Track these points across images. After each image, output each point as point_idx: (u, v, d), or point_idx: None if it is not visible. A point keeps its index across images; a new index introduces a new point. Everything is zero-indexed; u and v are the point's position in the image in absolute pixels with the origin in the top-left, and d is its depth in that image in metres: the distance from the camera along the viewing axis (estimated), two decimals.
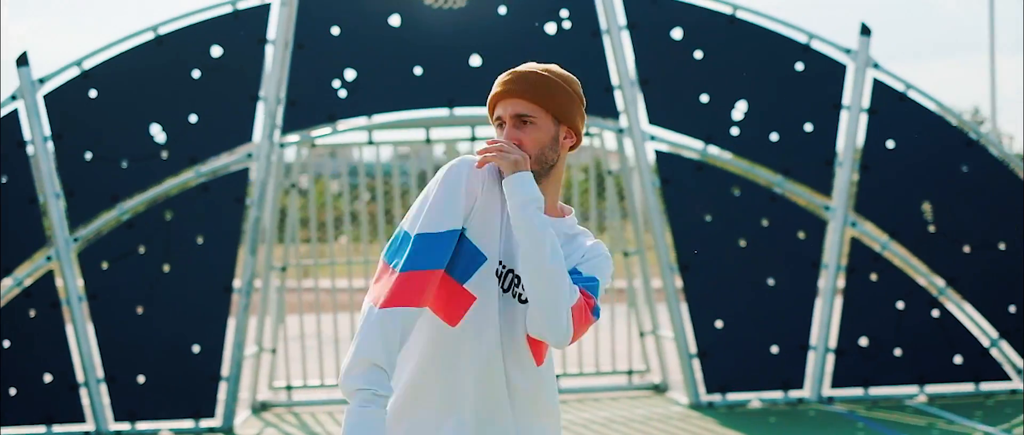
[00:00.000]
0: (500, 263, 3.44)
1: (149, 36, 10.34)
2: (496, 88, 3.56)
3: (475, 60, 10.51)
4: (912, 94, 10.73)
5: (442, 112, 10.61)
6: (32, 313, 10.14)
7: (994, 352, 10.73)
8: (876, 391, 10.69)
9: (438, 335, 3.44)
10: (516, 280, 3.45)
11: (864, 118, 10.72)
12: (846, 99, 10.70)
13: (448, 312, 3.44)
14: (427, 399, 3.46)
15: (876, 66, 10.69)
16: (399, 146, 11.98)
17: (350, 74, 10.47)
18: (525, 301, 3.43)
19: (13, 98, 10.23)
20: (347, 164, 13.15)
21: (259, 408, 11.35)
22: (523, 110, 3.51)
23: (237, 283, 10.42)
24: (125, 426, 10.20)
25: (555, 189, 3.54)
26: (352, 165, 11.34)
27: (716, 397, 10.59)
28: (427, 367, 3.45)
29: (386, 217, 13.75)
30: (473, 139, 11.45)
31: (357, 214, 13.24)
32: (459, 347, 3.43)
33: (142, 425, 10.21)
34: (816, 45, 10.70)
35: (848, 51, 10.70)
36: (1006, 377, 10.75)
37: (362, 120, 10.72)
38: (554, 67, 3.58)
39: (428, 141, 11.40)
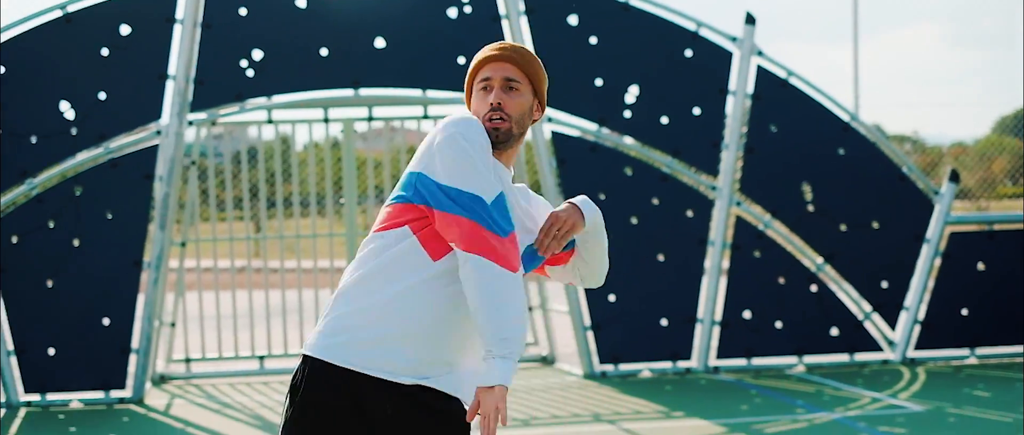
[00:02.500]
0: None
1: (57, 14, 10.47)
2: (488, 53, 3.80)
3: (380, 42, 10.84)
4: (793, 80, 11.34)
5: (346, 92, 10.92)
6: None
7: (867, 325, 11.40)
8: (758, 361, 11.30)
9: (421, 265, 3.65)
10: None
11: (748, 103, 11.30)
12: (732, 84, 11.27)
13: (437, 248, 3.67)
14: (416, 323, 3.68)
15: (760, 54, 11.26)
16: (212, 126, 12.14)
17: (257, 54, 10.73)
18: None
19: None
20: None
21: (158, 380, 11.57)
22: (512, 75, 3.76)
23: (146, 258, 10.61)
24: (35, 397, 10.35)
25: (513, 156, 3.83)
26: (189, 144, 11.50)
27: (609, 367, 11.10)
28: (408, 293, 3.66)
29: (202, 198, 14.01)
30: (370, 120, 11.78)
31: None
32: (441, 277, 3.66)
33: (52, 396, 10.37)
34: (704, 33, 11.24)
35: (734, 39, 11.26)
36: (878, 348, 11.44)
37: (265, 99, 10.97)
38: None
39: (326, 120, 11.69)
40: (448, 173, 3.63)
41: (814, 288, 11.33)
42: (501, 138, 3.74)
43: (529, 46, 10.98)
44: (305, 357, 3.75)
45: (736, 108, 11.26)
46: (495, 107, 3.73)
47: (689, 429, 8.86)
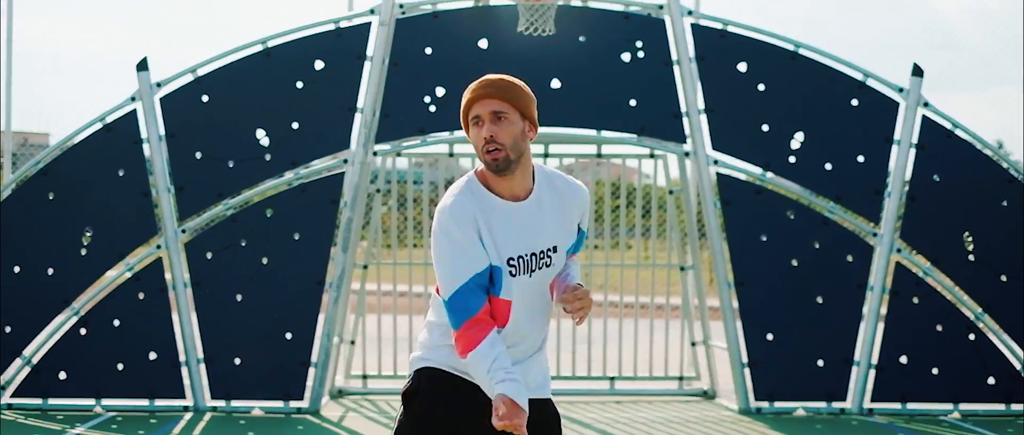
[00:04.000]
0: (509, 260, 4.14)
1: (258, 48, 11.28)
2: (472, 94, 4.21)
3: (555, 83, 11.39)
4: (959, 132, 11.55)
5: None
6: (141, 296, 11.10)
7: None
8: (913, 406, 11.50)
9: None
10: (535, 258, 4.17)
11: (913, 152, 11.55)
12: (897, 134, 11.52)
13: (498, 319, 4.17)
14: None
15: (926, 104, 11.51)
16: (417, 157, 12.84)
17: (440, 91, 11.36)
18: (549, 265, 4.23)
19: (132, 99, 11.19)
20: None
21: (336, 394, 12.27)
22: (498, 108, 4.13)
23: (329, 278, 11.30)
24: (221, 403, 11.14)
25: (525, 172, 4.22)
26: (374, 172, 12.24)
27: (764, 404, 11.43)
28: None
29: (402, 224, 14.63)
30: (545, 155, 12.34)
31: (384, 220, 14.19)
32: (512, 334, 4.21)
33: (236, 403, 11.15)
34: (871, 83, 11.54)
35: (900, 90, 11.53)
36: None
37: (447, 134, 11.61)
38: (511, 77, 4.30)
39: None
40: (437, 276, 4.20)
41: (972, 336, 11.48)
42: (500, 166, 4.13)
43: (698, 91, 11.42)
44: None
45: (900, 157, 11.52)
46: (489, 139, 4.11)
47: None
